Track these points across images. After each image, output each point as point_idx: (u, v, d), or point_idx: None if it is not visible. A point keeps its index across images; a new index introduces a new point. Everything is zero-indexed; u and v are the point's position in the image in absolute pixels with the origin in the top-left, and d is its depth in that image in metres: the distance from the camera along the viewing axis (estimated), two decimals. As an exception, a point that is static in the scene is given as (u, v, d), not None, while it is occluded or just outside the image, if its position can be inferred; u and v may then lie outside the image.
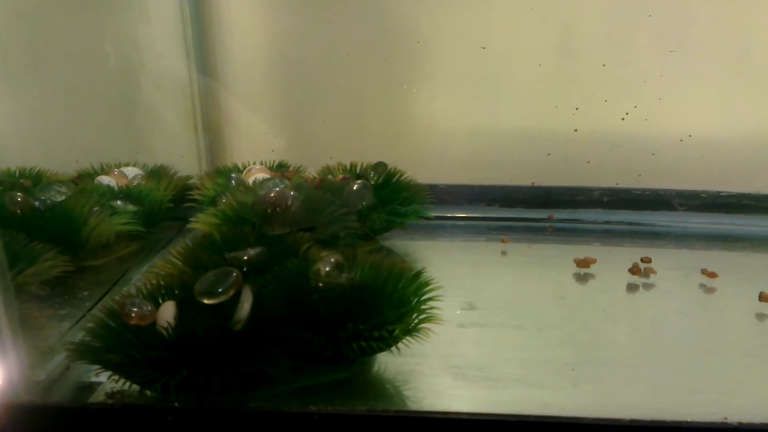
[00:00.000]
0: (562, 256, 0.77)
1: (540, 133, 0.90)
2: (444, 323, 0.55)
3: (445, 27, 0.89)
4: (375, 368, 0.52)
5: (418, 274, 0.51)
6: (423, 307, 0.49)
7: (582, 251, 0.76)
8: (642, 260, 0.71)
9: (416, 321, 0.48)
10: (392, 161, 0.85)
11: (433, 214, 0.87)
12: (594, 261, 0.71)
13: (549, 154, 0.90)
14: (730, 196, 0.86)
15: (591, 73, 0.88)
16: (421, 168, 0.88)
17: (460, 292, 0.66)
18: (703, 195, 0.86)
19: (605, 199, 0.88)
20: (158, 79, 0.87)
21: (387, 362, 0.53)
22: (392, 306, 0.48)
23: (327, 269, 0.48)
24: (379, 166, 0.81)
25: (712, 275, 0.67)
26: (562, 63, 0.88)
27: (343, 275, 0.48)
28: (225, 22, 0.91)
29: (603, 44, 0.87)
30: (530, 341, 0.57)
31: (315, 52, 0.92)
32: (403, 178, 0.81)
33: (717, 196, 0.86)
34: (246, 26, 0.91)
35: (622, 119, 0.87)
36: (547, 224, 0.87)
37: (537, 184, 0.90)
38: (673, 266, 0.71)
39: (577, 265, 0.71)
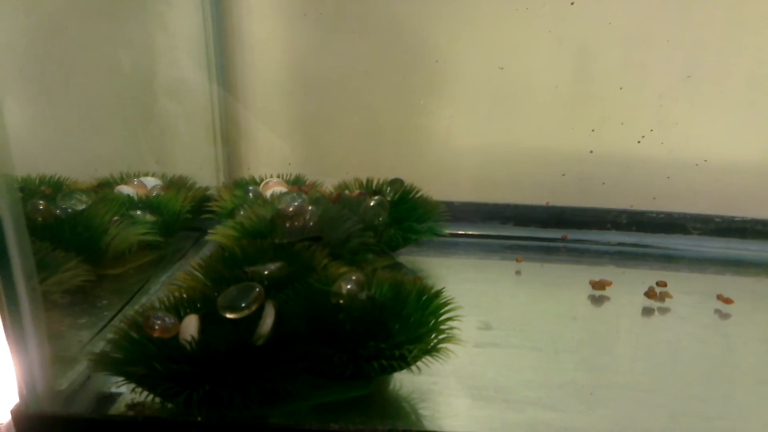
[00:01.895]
0: (576, 277, 0.77)
1: (555, 153, 0.90)
2: (461, 343, 0.56)
3: (463, 47, 0.90)
4: (391, 386, 0.53)
5: (438, 293, 0.51)
6: (442, 327, 0.49)
7: (596, 272, 0.76)
8: (658, 284, 0.71)
9: (435, 341, 0.49)
10: (408, 177, 0.86)
11: (448, 231, 0.88)
12: (610, 283, 0.71)
13: (564, 175, 0.90)
14: (744, 221, 0.86)
15: (608, 96, 0.88)
16: (436, 185, 0.88)
17: (476, 312, 0.66)
18: (717, 219, 0.86)
19: (619, 221, 0.88)
20: (178, 91, 0.88)
21: (403, 380, 0.53)
22: (412, 325, 0.48)
23: (348, 287, 0.49)
24: (396, 182, 0.82)
25: (728, 301, 0.67)
26: (578, 85, 0.89)
27: (364, 293, 0.49)
28: (246, 37, 0.92)
29: (620, 68, 0.88)
30: (547, 364, 0.57)
31: (333, 68, 0.93)
32: (419, 194, 0.81)
33: (731, 221, 0.86)
34: (266, 42, 0.92)
35: (638, 142, 0.88)
36: (561, 244, 0.87)
37: (551, 203, 0.90)
38: (689, 291, 0.72)
39: (593, 287, 0.71)
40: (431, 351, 0.48)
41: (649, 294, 0.68)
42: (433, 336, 0.49)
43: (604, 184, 0.89)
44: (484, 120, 0.92)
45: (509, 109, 0.91)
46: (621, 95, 0.88)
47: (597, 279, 0.72)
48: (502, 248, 0.86)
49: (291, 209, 0.67)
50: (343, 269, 0.55)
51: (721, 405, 0.51)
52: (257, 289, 0.47)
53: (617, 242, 0.86)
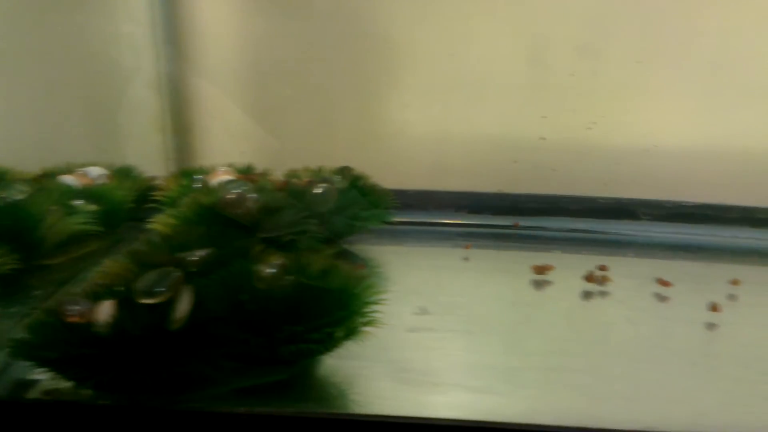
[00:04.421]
0: (523, 263, 0.76)
1: (508, 140, 0.91)
2: (394, 328, 0.57)
3: (419, 34, 0.90)
4: (321, 372, 0.53)
5: (364, 277, 0.51)
6: (366, 310, 0.49)
7: (545, 258, 0.76)
8: (600, 268, 0.71)
9: (358, 324, 0.49)
10: (363, 166, 0.85)
11: (402, 219, 0.88)
12: (551, 268, 0.71)
13: (516, 162, 0.90)
14: (693, 206, 0.86)
15: (560, 83, 0.89)
16: (392, 173, 0.89)
17: (416, 297, 0.66)
18: (667, 205, 0.87)
19: (571, 207, 0.89)
20: (126, 80, 0.88)
21: (334, 366, 0.53)
22: (334, 309, 0.48)
23: (269, 271, 0.48)
24: (345, 170, 0.81)
25: (666, 284, 0.67)
26: (531, 72, 0.89)
27: (286, 278, 0.48)
28: (197, 24, 0.92)
29: (573, 55, 0.88)
30: (478, 346, 0.57)
31: (288, 55, 0.92)
32: (368, 182, 0.81)
33: (681, 206, 0.86)
34: (219, 28, 0.92)
35: (589, 129, 0.88)
36: (512, 231, 0.87)
37: (504, 191, 0.91)
38: (631, 275, 0.72)
39: (535, 272, 0.71)
40: (353, 335, 0.48)
41: (589, 278, 0.68)
42: (356, 319, 0.49)
43: (555, 170, 0.90)
44: (439, 108, 0.93)
45: (464, 96, 0.91)
46: (573, 82, 0.88)
47: (543, 264, 0.72)
48: (454, 236, 0.86)
49: (230, 197, 0.67)
50: (276, 256, 0.55)
51: (647, 387, 0.51)
52: (175, 275, 0.47)
53: (568, 228, 0.87)
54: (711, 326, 0.60)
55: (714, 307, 0.61)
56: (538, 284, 0.70)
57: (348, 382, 0.51)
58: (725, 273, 0.71)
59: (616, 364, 0.54)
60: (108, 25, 0.87)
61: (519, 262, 0.78)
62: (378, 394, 0.50)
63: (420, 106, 0.93)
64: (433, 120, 0.93)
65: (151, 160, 0.90)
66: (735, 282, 0.67)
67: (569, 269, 0.73)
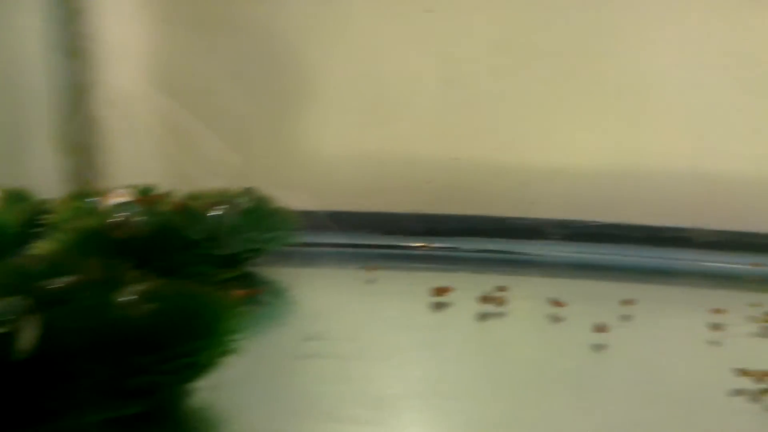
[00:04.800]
0: (428, 284, 0.76)
1: (422, 161, 0.90)
2: (281, 355, 0.55)
3: (334, 53, 0.90)
4: (190, 402, 0.51)
5: (234, 303, 0.50)
6: (229, 338, 0.48)
7: (451, 279, 0.76)
8: (499, 289, 0.71)
9: (221, 353, 0.47)
10: (278, 186, 0.84)
11: (315, 240, 0.87)
12: (450, 290, 0.71)
13: (429, 182, 0.90)
14: (599, 225, 0.87)
15: (474, 104, 0.89)
16: (307, 193, 0.88)
17: (311, 322, 0.65)
18: (574, 224, 0.88)
19: (481, 228, 0.89)
20: (22, 98, 0.85)
21: (206, 396, 0.51)
22: (190, 338, 0.46)
23: (127, 298, 0.47)
24: (249, 190, 0.80)
25: (560, 304, 0.67)
26: (445, 93, 0.89)
27: (144, 305, 0.47)
28: (104, 40, 0.89)
29: (485, 75, 0.89)
30: (361, 373, 0.56)
31: (201, 73, 0.91)
32: (273, 203, 0.80)
33: (587, 225, 0.87)
34: (127, 44, 0.90)
35: (500, 149, 0.89)
36: (422, 252, 0.87)
37: (417, 211, 0.90)
38: (531, 295, 0.72)
39: (434, 294, 0.71)
40: (212, 365, 0.47)
41: (486, 299, 0.68)
42: (218, 349, 0.47)
43: (468, 190, 0.90)
44: (354, 127, 0.92)
45: (379, 116, 0.91)
46: (485, 102, 0.89)
47: (442, 286, 0.71)
48: (364, 257, 0.84)
49: (117, 221, 0.65)
50: (145, 282, 0.53)
51: (524, 411, 0.51)
52: (22, 303, 0.45)
53: (477, 249, 0.87)
54: (598, 348, 0.60)
55: (601, 328, 0.61)
56: (437, 306, 0.69)
57: (219, 412, 0.50)
58: (624, 292, 0.71)
59: (498, 389, 0.53)
60: (4, 38, 0.84)
61: (424, 284, 0.77)
62: (247, 427, 0.48)
63: (336, 125, 0.92)
64: (349, 140, 0.92)
65: (53, 181, 0.87)
66: (628, 302, 0.68)
67: (470, 291, 0.73)
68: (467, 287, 0.73)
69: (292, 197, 0.84)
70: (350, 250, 0.87)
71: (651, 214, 0.86)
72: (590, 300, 0.71)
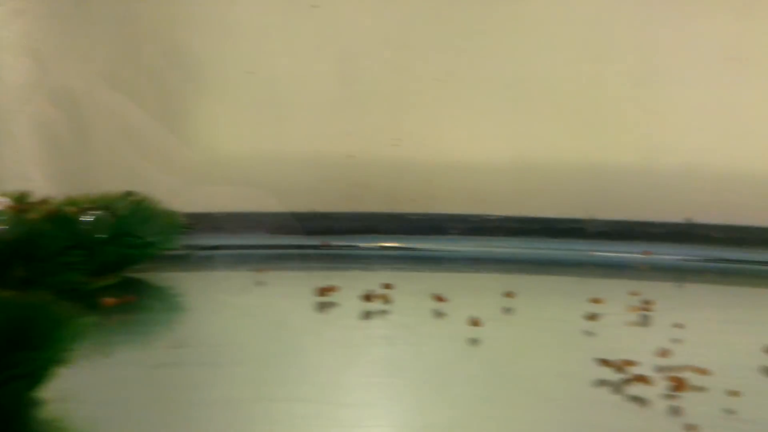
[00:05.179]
0: (317, 284, 0.74)
1: (318, 159, 0.88)
2: (140, 364, 0.53)
3: (222, 49, 0.87)
4: (36, 414, 0.47)
5: (69, 314, 0.47)
6: (63, 348, 0.45)
7: (342, 278, 0.75)
8: (385, 286, 0.70)
9: (49, 363, 0.44)
10: (169, 189, 0.82)
11: (207, 243, 0.84)
12: (335, 289, 0.69)
13: (327, 180, 0.88)
14: (499, 219, 0.87)
15: (367, 100, 0.88)
16: (201, 195, 0.85)
17: (177, 329, 0.63)
18: (472, 219, 0.87)
19: (381, 225, 0.87)
20: None
21: (48, 408, 0.48)
22: (22, 348, 0.43)
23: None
24: (128, 194, 0.76)
25: (442, 300, 0.66)
26: (338, 89, 0.87)
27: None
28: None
29: (381, 71, 0.87)
30: (218, 379, 0.53)
31: (82, 74, 0.87)
32: (155, 206, 0.77)
33: (486, 219, 0.87)
34: (3, 46, 0.85)
35: (395, 145, 0.87)
36: (321, 252, 0.85)
37: (315, 210, 0.88)
38: (418, 291, 0.70)
39: (319, 294, 0.69)
40: (42, 374, 0.44)
41: (368, 297, 0.67)
42: (47, 359, 0.44)
43: (365, 188, 0.88)
44: (248, 126, 0.90)
45: (273, 114, 0.89)
46: (380, 99, 0.87)
47: (326, 285, 0.70)
48: (257, 259, 0.82)
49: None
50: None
51: (383, 409, 0.49)
52: None
53: (375, 246, 0.85)
54: (474, 342, 0.59)
55: (477, 322, 0.60)
56: (322, 307, 0.68)
57: (64, 426, 0.47)
58: (510, 285, 0.70)
59: (353, 389, 0.52)
60: None
61: (313, 284, 0.75)
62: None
63: (228, 124, 0.89)
64: (242, 139, 0.89)
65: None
66: (510, 294, 0.67)
67: (357, 289, 0.71)
68: (356, 286, 0.72)
69: (183, 199, 0.81)
70: (244, 251, 0.84)
71: (547, 207, 0.86)
72: (475, 293, 0.71)
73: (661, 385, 0.49)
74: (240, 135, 0.88)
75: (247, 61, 0.86)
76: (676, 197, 0.85)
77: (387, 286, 0.70)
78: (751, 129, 0.85)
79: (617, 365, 0.51)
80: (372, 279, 0.75)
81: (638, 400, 0.48)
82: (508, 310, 0.66)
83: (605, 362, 0.52)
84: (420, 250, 0.85)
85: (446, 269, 0.80)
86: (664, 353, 0.53)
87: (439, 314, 0.65)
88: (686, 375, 0.50)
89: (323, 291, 0.69)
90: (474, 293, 0.71)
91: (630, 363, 0.51)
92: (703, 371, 0.50)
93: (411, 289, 0.70)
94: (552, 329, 0.61)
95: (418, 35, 0.86)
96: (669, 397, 0.48)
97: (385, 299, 0.67)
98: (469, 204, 0.88)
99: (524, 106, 0.87)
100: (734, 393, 0.47)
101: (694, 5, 0.82)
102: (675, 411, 0.47)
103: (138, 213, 0.74)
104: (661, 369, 0.51)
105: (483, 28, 0.86)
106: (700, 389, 0.49)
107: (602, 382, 0.51)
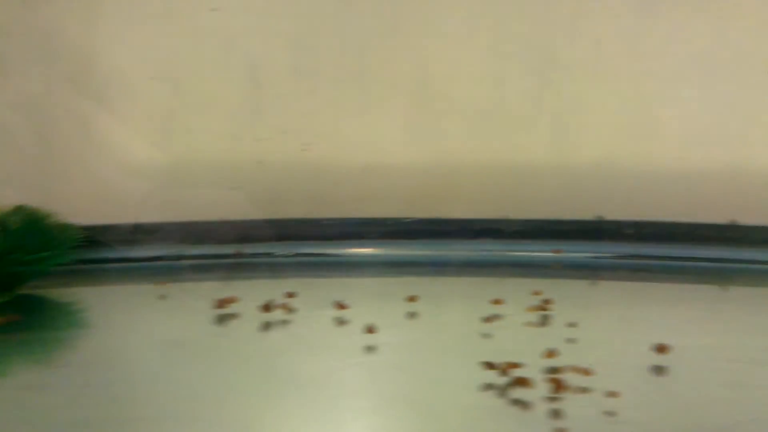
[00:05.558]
0: (219, 295, 0.72)
1: (226, 166, 0.86)
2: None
3: (125, 55, 0.84)
4: None
5: None
6: None
7: (254, 287, 0.73)
8: (288, 295, 0.68)
9: None
10: (78, 201, 0.79)
11: (113, 255, 0.81)
12: (234, 300, 0.67)
13: (234, 188, 0.86)
14: (414, 222, 0.86)
15: (274, 105, 0.86)
16: (107, 207, 0.82)
17: (67, 349, 0.60)
18: (388, 222, 0.86)
19: (293, 231, 0.86)
20: None
21: None
22: None
23: None
24: (19, 209, 0.73)
25: (343, 307, 0.65)
26: (247, 95, 0.85)
27: None
28: None
29: (287, 76, 0.85)
30: (92, 400, 0.50)
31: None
32: (50, 221, 0.74)
33: (400, 222, 0.86)
34: None
35: (304, 150, 0.86)
36: (231, 261, 0.83)
37: (227, 218, 0.86)
38: (322, 299, 0.69)
39: (217, 306, 0.67)
40: None
41: (271, 307, 0.65)
42: None
43: (275, 194, 0.86)
44: (156, 134, 0.87)
45: (180, 121, 0.86)
46: (287, 103, 0.86)
47: (226, 297, 0.68)
48: (161, 271, 0.80)
49: None
50: None
51: (243, 424, 0.47)
52: None
53: (289, 254, 0.84)
54: (370, 350, 0.58)
55: (370, 330, 0.59)
56: (221, 319, 0.66)
57: None
58: (413, 289, 0.69)
59: (239, 406, 0.50)
60: None
61: (216, 294, 0.73)
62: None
63: (134, 133, 0.86)
64: (148, 147, 0.87)
65: None
66: (413, 299, 0.66)
67: (257, 300, 0.68)
68: (260, 296, 0.69)
69: (85, 211, 0.79)
70: (148, 263, 0.81)
71: (459, 208, 0.85)
72: (381, 299, 0.70)
73: (542, 388, 0.49)
74: (145, 143, 0.85)
75: (150, 67, 0.83)
76: (587, 195, 0.85)
77: (290, 295, 0.68)
78: (658, 126, 0.86)
79: (502, 368, 0.50)
80: (278, 287, 0.73)
81: (520, 403, 0.48)
82: (411, 315, 0.65)
83: (490, 365, 0.51)
84: (330, 255, 0.84)
85: (355, 275, 0.79)
86: (550, 354, 0.53)
87: (340, 322, 0.64)
88: (569, 376, 0.49)
89: (222, 303, 0.67)
90: (379, 298, 0.70)
91: (514, 365, 0.50)
92: (586, 371, 0.50)
93: (316, 297, 0.69)
94: (450, 333, 0.61)
95: (321, 37, 0.84)
96: (551, 399, 0.48)
97: (287, 308, 0.66)
98: (382, 208, 0.86)
99: (433, 106, 0.86)
100: (613, 394, 0.47)
101: (596, 2, 0.83)
102: (555, 414, 0.47)
103: (30, 227, 0.71)
104: (545, 370, 0.51)
105: (387, 29, 0.85)
106: (584, 390, 0.49)
107: (488, 387, 0.50)
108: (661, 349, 0.54)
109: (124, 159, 0.85)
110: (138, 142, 0.85)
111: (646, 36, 0.85)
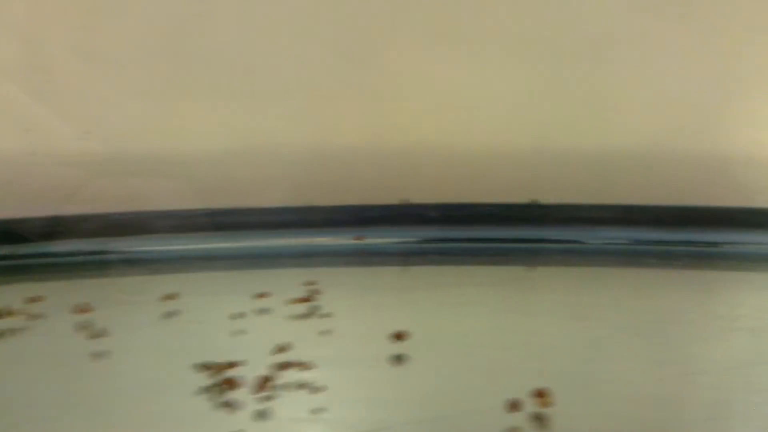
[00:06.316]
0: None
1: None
2: None
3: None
4: None
5: None
6: None
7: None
8: (31, 300, 0.61)
9: None
10: None
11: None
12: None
13: (8, 183, 0.77)
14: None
15: (58, 92, 0.77)
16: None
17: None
18: (181, 214, 0.80)
19: (87, 227, 0.77)
20: None
21: None
22: None
23: None
24: None
25: (87, 311, 0.59)
26: (25, 82, 0.77)
27: None
28: None
29: (68, 59, 0.77)
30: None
31: None
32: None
33: (192, 215, 0.80)
34: None
35: (83, 138, 0.78)
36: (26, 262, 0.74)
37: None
38: (68, 302, 0.61)
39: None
40: None
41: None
42: None
43: (51, 190, 0.78)
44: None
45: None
46: (67, 89, 0.78)
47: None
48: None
49: None
50: None
51: None
52: None
53: (77, 251, 0.76)
54: (97, 356, 0.52)
55: (99, 334, 0.53)
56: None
57: None
58: (170, 287, 0.63)
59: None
60: None
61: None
62: None
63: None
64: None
65: None
66: (171, 297, 0.61)
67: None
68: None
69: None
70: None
71: (258, 196, 0.80)
72: (131, 300, 0.63)
73: (254, 387, 0.45)
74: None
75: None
76: (393, 179, 0.82)
77: (34, 300, 0.61)
78: (465, 106, 0.83)
79: (217, 368, 0.46)
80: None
81: (229, 405, 0.44)
82: (169, 314, 0.59)
83: (205, 367, 0.46)
84: (126, 252, 0.77)
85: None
86: (281, 349, 0.49)
87: (82, 327, 0.57)
88: (289, 373, 0.46)
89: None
90: (127, 300, 0.63)
91: (232, 365, 0.46)
92: (305, 366, 0.46)
93: (61, 300, 0.61)
94: (198, 332, 0.55)
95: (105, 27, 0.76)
96: (265, 399, 0.44)
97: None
98: (181, 198, 0.80)
99: (246, 92, 0.80)
100: (321, 389, 0.44)
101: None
102: (261, 415, 0.43)
103: None
104: (269, 368, 0.47)
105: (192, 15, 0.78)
106: (301, 386, 0.45)
107: (206, 389, 0.46)
108: (398, 336, 0.51)
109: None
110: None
111: (448, 16, 0.82)
